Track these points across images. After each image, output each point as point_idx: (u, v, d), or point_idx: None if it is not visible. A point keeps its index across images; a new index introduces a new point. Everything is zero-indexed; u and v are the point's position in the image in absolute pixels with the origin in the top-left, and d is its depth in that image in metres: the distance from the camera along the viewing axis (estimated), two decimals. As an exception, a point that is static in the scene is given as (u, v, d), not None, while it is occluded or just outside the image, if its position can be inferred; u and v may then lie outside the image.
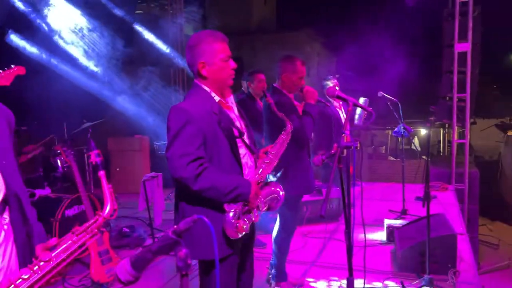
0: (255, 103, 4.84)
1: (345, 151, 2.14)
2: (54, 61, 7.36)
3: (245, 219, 2.17)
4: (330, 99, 5.37)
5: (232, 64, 2.28)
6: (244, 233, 2.15)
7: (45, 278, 1.45)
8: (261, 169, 2.31)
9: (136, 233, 4.98)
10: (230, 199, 2.12)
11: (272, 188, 2.34)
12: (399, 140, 14.44)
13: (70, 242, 1.51)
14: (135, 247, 4.79)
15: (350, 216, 2.17)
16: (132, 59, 8.29)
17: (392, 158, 13.51)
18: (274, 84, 3.51)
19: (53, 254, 1.47)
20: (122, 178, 7.65)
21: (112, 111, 7.66)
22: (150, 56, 9.11)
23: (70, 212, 4.43)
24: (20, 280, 1.42)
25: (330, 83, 5.27)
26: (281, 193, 2.37)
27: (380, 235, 4.81)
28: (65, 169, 4.97)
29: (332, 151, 2.33)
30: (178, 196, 2.25)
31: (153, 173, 4.84)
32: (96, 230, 1.54)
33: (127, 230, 5.02)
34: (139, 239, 4.92)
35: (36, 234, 1.69)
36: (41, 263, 1.45)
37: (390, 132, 14.62)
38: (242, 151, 2.29)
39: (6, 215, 1.64)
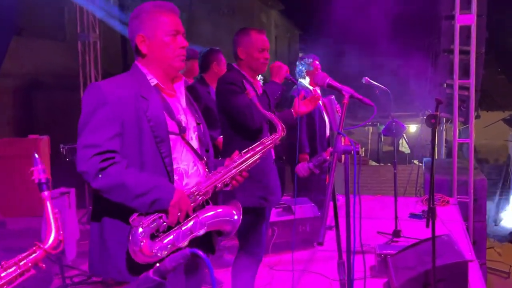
0: (209, 90, 4.83)
1: (343, 157, 2.19)
2: None
3: (161, 241, 2.12)
4: (309, 86, 5.46)
5: (181, 42, 2.36)
6: (154, 260, 2.09)
7: None
8: (208, 182, 2.33)
9: (38, 272, 4.82)
10: (142, 204, 2.12)
11: (223, 209, 2.34)
12: (382, 139, 14.93)
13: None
14: (37, 292, 4.64)
15: (349, 241, 2.22)
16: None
17: (373, 163, 13.96)
18: (232, 64, 3.62)
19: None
20: (10, 195, 7.36)
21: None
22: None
23: None
24: None
25: (310, 67, 5.37)
26: (235, 216, 2.37)
27: (368, 265, 4.93)
28: None
29: (324, 157, 2.37)
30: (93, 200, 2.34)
31: (62, 188, 4.71)
32: (30, 264, 1.52)
33: (24, 268, 4.85)
34: (41, 281, 4.77)
35: None
36: None
37: (371, 129, 15.06)
38: (181, 154, 2.34)
39: None
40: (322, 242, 2.12)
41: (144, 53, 2.35)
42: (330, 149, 2.30)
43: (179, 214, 2.16)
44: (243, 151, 2.52)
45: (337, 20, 12.24)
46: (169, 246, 2.12)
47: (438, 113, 3.85)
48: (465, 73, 7.54)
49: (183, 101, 2.47)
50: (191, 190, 2.27)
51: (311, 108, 3.84)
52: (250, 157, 2.50)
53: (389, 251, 4.68)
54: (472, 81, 7.47)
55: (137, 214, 2.11)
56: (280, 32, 16.66)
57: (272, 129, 3.68)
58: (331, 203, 2.41)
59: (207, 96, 4.77)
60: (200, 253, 1.39)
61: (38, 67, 9.12)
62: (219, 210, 2.31)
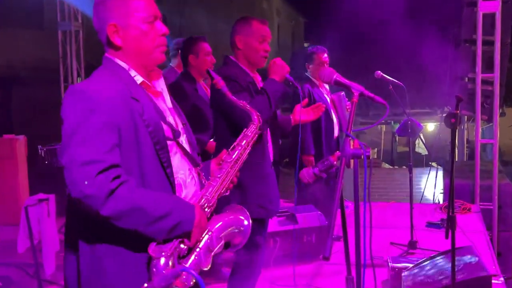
0: (196, 87, 4.79)
1: (351, 161, 2.17)
2: None
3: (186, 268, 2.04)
4: (315, 81, 5.45)
5: (161, 28, 2.28)
6: None
7: None
8: (210, 189, 2.30)
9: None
10: (160, 230, 2.02)
11: (231, 216, 2.31)
12: (397, 140, 14.95)
13: None
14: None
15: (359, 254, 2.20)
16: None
17: (387, 166, 13.98)
18: (229, 56, 3.64)
19: None
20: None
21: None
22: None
23: None
24: None
25: (311, 60, 5.37)
26: (245, 222, 2.35)
27: (380, 280, 4.91)
28: None
29: (331, 161, 2.36)
30: (72, 227, 2.22)
31: (40, 195, 4.71)
32: None
33: (-1, 284, 4.88)
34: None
35: None
36: None
37: (384, 128, 15.08)
38: (177, 161, 2.29)
39: None
40: (328, 257, 2.10)
41: (118, 45, 2.22)
42: (338, 153, 2.28)
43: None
44: (230, 149, 2.49)
45: (347, 6, 12.22)
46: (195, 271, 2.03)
47: (458, 111, 3.78)
48: (488, 66, 7.51)
49: (168, 100, 2.40)
50: (201, 203, 2.22)
51: (312, 118, 3.86)
52: (240, 153, 2.48)
53: (404, 264, 4.67)
54: (496, 75, 7.45)
55: (155, 243, 2.01)
56: (283, 20, 16.64)
57: (274, 130, 3.68)
58: (339, 211, 2.40)
59: (194, 94, 4.70)
60: (192, 271, 1.35)
61: (14, 59, 9.11)
62: (226, 219, 2.28)
